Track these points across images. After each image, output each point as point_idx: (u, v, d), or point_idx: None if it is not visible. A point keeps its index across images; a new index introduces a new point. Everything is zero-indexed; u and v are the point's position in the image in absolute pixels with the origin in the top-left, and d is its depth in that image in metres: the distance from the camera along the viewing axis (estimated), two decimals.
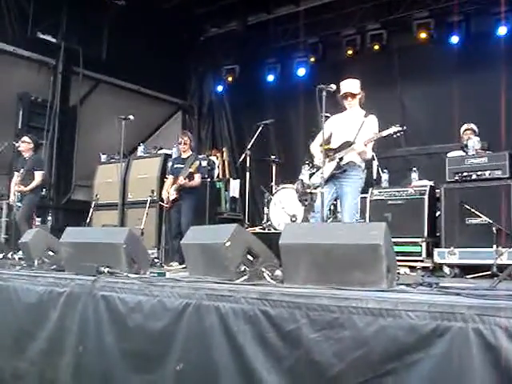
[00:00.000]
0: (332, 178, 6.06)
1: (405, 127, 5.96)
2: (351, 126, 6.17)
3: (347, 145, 6.05)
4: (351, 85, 6.36)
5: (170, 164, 9.09)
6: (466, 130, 8.32)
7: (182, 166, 8.41)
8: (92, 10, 11.04)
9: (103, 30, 11.61)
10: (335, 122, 6.40)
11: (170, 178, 8.57)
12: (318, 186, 6.00)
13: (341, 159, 5.98)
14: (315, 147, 6.41)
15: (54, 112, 11.39)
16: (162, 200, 8.48)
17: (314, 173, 6.27)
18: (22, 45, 10.86)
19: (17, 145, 9.30)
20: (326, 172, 5.95)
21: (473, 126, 8.32)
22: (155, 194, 9.24)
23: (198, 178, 8.41)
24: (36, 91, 11.33)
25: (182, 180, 8.22)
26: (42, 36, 11.07)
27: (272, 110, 12.45)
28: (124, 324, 4.09)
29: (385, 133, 5.93)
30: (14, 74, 10.93)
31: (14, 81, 10.96)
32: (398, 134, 5.99)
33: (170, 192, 8.32)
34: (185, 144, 8.62)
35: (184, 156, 8.65)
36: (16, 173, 9.14)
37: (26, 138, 9.29)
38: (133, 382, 3.95)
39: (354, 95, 6.31)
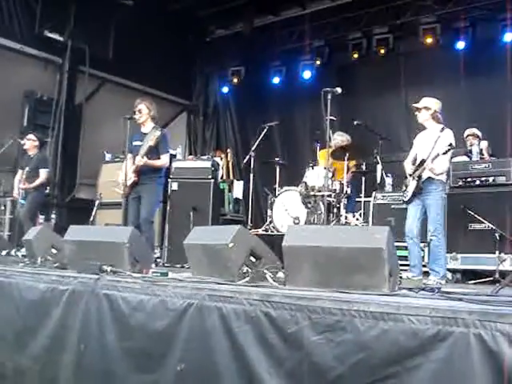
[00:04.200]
0: (416, 194, 6.22)
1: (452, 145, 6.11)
2: (428, 142, 6.29)
3: (422, 163, 6.20)
4: (420, 100, 6.49)
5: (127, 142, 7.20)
6: (468, 135, 8.32)
7: (142, 142, 7.01)
8: (99, 9, 11.05)
9: (110, 30, 11.62)
10: (419, 139, 6.54)
11: (128, 157, 7.08)
12: (405, 202, 6.38)
13: (419, 177, 6.15)
14: (407, 165, 6.55)
15: (59, 110, 11.40)
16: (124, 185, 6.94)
17: (405, 190, 6.44)
18: (29, 43, 10.89)
19: (22, 142, 9.31)
20: (410, 190, 6.25)
21: (475, 130, 8.32)
22: None
23: (164, 158, 7.12)
24: (42, 89, 11.36)
25: (140, 159, 6.85)
26: (49, 34, 11.09)
27: (277, 112, 12.49)
28: (126, 323, 4.10)
29: (442, 151, 6.02)
30: (21, 71, 10.95)
31: (21, 78, 10.98)
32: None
33: (127, 175, 6.92)
34: (140, 112, 7.09)
35: (144, 130, 7.19)
36: (20, 170, 9.15)
37: (31, 136, 9.31)
38: (134, 381, 3.96)
39: (418, 109, 6.42)
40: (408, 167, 6.51)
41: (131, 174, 6.96)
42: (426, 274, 6.87)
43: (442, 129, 6.27)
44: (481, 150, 7.48)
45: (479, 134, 8.28)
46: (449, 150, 6.02)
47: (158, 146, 6.99)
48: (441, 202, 6.23)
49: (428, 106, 6.37)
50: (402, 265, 6.21)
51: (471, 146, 7.89)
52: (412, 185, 6.26)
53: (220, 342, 3.50)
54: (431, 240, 6.07)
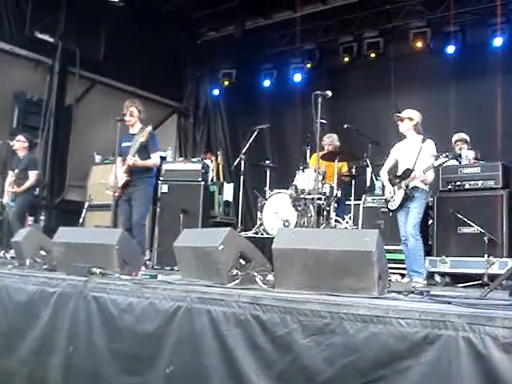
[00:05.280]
0: (403, 203, 6.43)
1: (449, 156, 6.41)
2: (410, 152, 6.52)
3: (408, 172, 6.40)
4: (404, 111, 6.72)
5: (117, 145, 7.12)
6: (456, 140, 8.31)
7: (132, 143, 6.98)
8: (90, 10, 11.01)
9: (101, 31, 11.58)
10: (398, 149, 6.77)
11: (118, 161, 7.05)
12: (392, 211, 6.58)
13: (407, 187, 6.36)
14: (384, 174, 6.81)
15: (49, 111, 11.35)
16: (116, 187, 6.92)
17: (388, 200, 6.65)
18: (19, 44, 10.83)
19: (11, 143, 9.27)
20: (397, 199, 6.44)
21: (463, 135, 8.31)
22: None
23: (155, 157, 7.11)
24: (32, 90, 11.30)
25: (130, 158, 6.81)
26: (39, 35, 11.04)
27: (268, 114, 12.49)
28: (115, 325, 4.09)
29: (436, 163, 6.30)
30: (11, 72, 10.89)
31: (10, 79, 10.91)
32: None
33: (118, 177, 6.91)
34: (131, 115, 7.09)
35: (132, 131, 7.16)
36: (10, 172, 9.11)
37: (20, 137, 9.27)
38: (122, 383, 3.94)
39: (401, 119, 6.63)
40: (386, 176, 6.72)
41: (122, 175, 6.93)
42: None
43: (424, 139, 6.47)
44: (468, 160, 7.50)
45: (467, 138, 8.28)
46: (446, 161, 6.36)
47: (148, 144, 6.98)
48: (422, 208, 6.45)
49: (412, 117, 6.59)
50: (391, 268, 6.29)
51: (460, 150, 7.90)
52: (399, 194, 6.43)
53: (209, 345, 3.50)
54: (409, 242, 6.20)
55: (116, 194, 6.93)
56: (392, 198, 6.49)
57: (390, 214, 6.60)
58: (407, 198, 6.35)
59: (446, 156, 6.30)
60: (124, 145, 7.12)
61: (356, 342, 2.93)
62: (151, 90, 13.17)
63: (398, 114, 6.64)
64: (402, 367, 2.78)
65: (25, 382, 4.59)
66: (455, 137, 8.38)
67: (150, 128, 6.94)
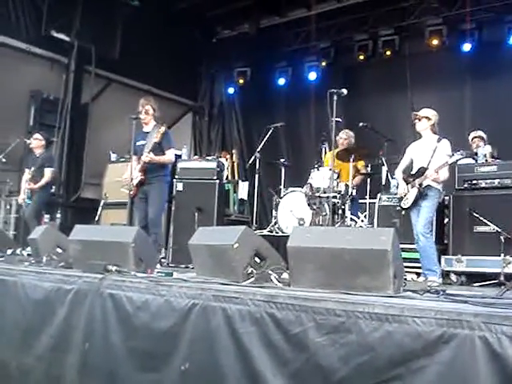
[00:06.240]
0: (417, 201, 6.37)
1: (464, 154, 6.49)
2: (425, 151, 6.46)
3: (422, 171, 6.35)
4: (421, 110, 6.64)
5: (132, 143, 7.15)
6: (473, 137, 8.29)
7: (146, 141, 7.02)
8: (106, 9, 11.09)
9: (116, 30, 11.63)
10: (413, 148, 6.72)
11: (133, 159, 7.07)
12: (404, 209, 6.48)
13: (420, 185, 6.31)
14: (399, 173, 6.75)
15: (65, 110, 11.42)
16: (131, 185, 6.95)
17: (401, 197, 6.57)
18: (35, 43, 10.91)
19: (28, 142, 9.31)
20: (410, 197, 6.38)
21: (480, 133, 8.28)
22: None
23: (170, 154, 7.10)
24: (48, 89, 11.39)
25: (146, 156, 6.83)
26: (55, 34, 11.11)
27: (282, 113, 12.50)
28: (130, 322, 4.11)
29: (450, 160, 6.29)
30: (27, 71, 10.97)
31: (27, 78, 11.00)
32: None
33: (133, 175, 6.95)
34: (146, 113, 7.10)
35: (147, 129, 7.18)
36: (27, 170, 9.15)
37: (37, 135, 9.31)
38: (138, 380, 3.97)
39: (418, 118, 6.55)
40: (400, 175, 6.66)
41: (137, 173, 6.96)
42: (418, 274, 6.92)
43: (439, 139, 6.42)
44: (485, 154, 7.46)
45: (484, 136, 8.24)
46: (460, 159, 6.35)
47: (162, 142, 7.00)
48: (434, 207, 6.39)
49: (429, 117, 6.53)
50: (406, 266, 6.26)
51: (477, 148, 7.86)
52: (412, 192, 6.38)
53: (224, 343, 3.51)
54: (420, 241, 6.17)
55: (131, 193, 6.98)
56: (405, 195, 6.46)
57: (403, 212, 6.56)
58: (420, 197, 6.31)
59: (461, 154, 6.26)
60: (138, 143, 7.14)
61: (371, 340, 2.92)
62: (166, 89, 13.22)
63: (415, 113, 6.60)
64: (417, 366, 2.77)
65: (41, 379, 4.63)
66: (472, 134, 8.35)
67: (163, 129, 6.94)
